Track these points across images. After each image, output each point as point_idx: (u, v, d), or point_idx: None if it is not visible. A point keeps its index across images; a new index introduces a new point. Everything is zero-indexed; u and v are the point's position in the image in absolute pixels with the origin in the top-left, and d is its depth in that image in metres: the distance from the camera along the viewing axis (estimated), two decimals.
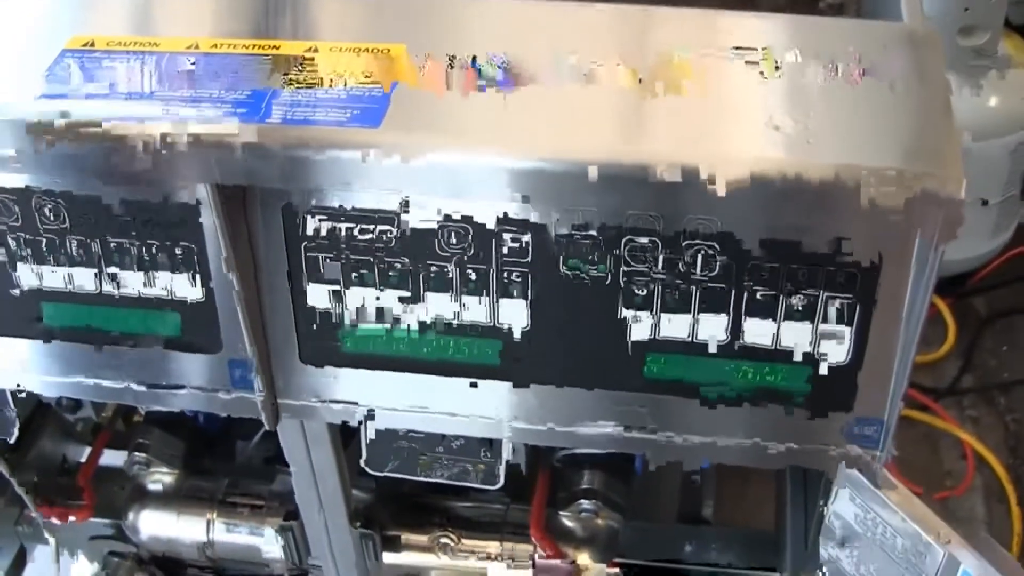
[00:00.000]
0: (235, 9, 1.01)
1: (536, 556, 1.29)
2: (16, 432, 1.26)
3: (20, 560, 1.62)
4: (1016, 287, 2.39)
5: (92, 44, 0.97)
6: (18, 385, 1.12)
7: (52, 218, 0.99)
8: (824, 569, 1.10)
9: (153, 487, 1.40)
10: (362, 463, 1.17)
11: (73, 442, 1.62)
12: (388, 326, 1.00)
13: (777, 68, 0.92)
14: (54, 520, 1.44)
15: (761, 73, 0.92)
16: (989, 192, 2.22)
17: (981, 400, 2.20)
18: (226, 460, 1.46)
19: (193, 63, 0.94)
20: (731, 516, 1.86)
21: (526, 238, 0.92)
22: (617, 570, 1.34)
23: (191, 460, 1.41)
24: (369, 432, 1.11)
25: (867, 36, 0.94)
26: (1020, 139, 2.18)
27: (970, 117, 2.15)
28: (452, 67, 0.92)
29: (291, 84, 0.92)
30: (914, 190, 0.82)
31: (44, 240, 1.00)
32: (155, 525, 1.41)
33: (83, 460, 1.54)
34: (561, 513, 1.32)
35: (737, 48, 0.94)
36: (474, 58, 0.93)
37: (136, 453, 1.38)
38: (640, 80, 0.91)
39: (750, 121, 0.87)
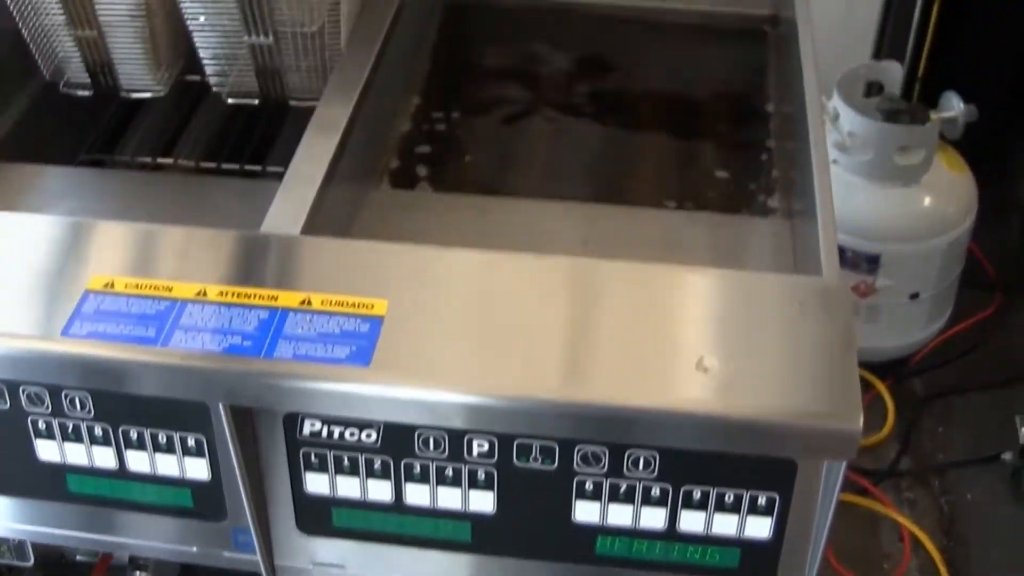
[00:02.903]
0: (231, 258, 1.15)
1: None
2: (32, 559, 1.40)
3: None
4: (952, 367, 2.53)
5: (112, 285, 1.11)
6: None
7: (79, 408, 1.13)
8: None
9: None
10: None
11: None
12: (373, 509, 1.14)
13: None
14: None
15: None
16: (923, 287, 2.38)
17: (918, 482, 2.34)
18: None
19: (203, 310, 1.08)
20: None
21: (493, 446, 1.07)
22: None
23: None
24: None
25: (787, 290, 1.09)
26: (951, 238, 2.34)
27: (905, 219, 2.31)
28: None
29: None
30: (820, 426, 0.98)
31: (71, 425, 1.14)
32: None
33: None
34: None
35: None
36: None
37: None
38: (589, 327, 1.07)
39: (682, 363, 1.03)
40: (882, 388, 2.46)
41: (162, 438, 1.14)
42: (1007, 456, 2.33)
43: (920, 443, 2.42)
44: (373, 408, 1.04)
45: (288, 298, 1.09)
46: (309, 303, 1.08)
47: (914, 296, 2.40)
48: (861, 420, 0.98)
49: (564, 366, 1.04)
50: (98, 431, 1.14)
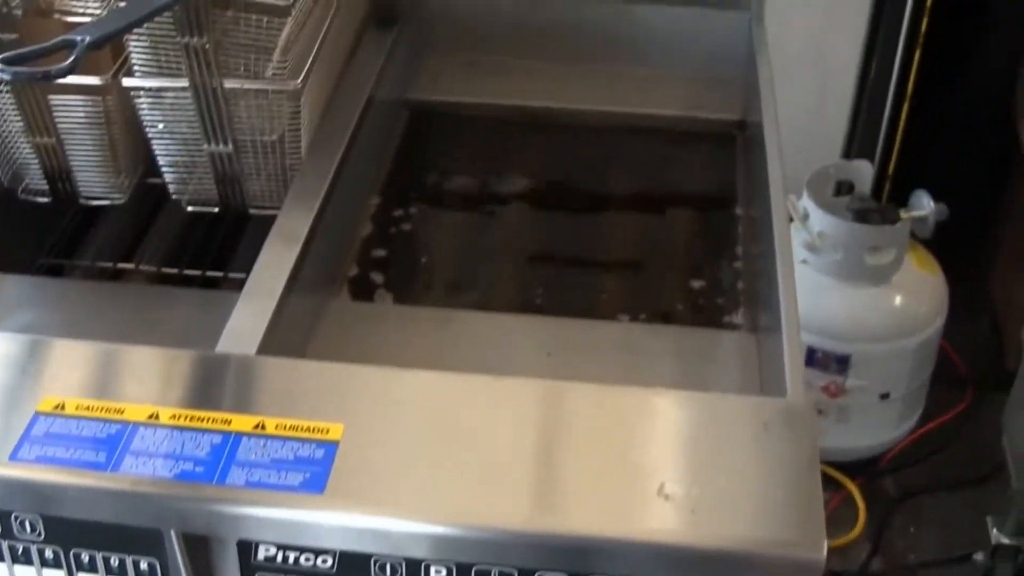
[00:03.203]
0: (186, 378, 1.13)
1: None
2: None
3: None
4: (924, 466, 2.52)
5: (62, 407, 1.09)
6: None
7: (28, 531, 1.10)
8: None
9: None
10: None
11: None
12: None
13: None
14: None
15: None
16: (894, 387, 2.37)
17: None
18: None
19: (155, 434, 1.06)
20: None
21: (451, 573, 1.04)
22: None
23: None
24: None
25: (751, 411, 1.08)
26: (922, 338, 2.33)
27: (876, 319, 2.31)
28: None
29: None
30: (783, 556, 0.96)
31: (20, 547, 1.12)
32: None
33: None
34: None
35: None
36: None
37: None
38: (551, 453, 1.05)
39: (644, 490, 1.01)
40: (853, 488, 2.44)
41: (114, 561, 1.11)
42: (979, 556, 2.30)
43: (891, 543, 2.40)
44: (326, 537, 1.02)
45: (242, 422, 1.07)
46: (263, 427, 1.06)
47: (885, 396, 2.39)
48: (825, 548, 0.96)
49: (524, 494, 1.02)
50: (48, 554, 1.11)
